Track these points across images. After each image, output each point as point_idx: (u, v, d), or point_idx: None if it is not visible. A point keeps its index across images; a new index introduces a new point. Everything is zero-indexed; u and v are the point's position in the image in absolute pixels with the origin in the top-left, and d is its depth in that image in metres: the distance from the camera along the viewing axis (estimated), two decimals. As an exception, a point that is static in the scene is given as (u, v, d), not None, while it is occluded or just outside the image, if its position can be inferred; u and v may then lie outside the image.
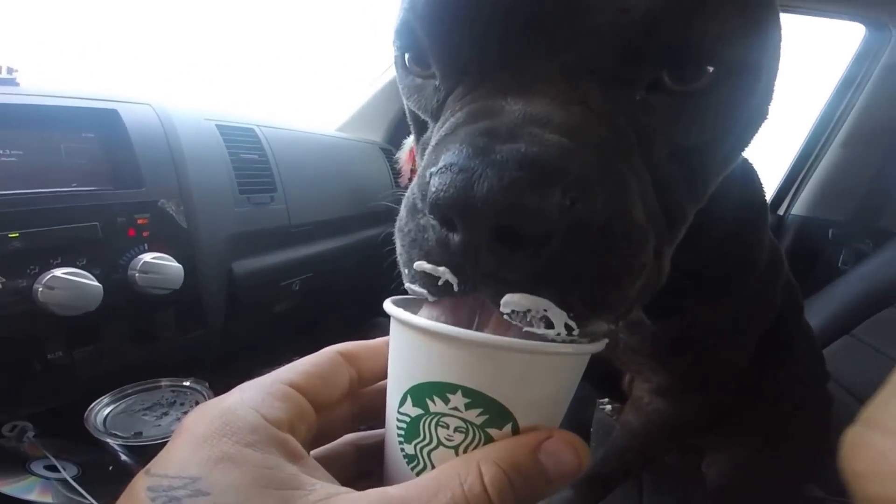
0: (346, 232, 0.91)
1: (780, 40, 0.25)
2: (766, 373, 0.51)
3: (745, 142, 0.26)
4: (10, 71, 0.54)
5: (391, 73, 1.05)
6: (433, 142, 0.21)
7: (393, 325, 0.20)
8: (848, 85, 0.99)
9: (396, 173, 1.02)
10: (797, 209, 1.07)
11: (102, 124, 0.57)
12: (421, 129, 0.27)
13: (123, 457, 0.47)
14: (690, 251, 0.26)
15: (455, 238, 0.18)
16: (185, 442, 0.16)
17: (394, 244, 0.22)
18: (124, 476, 0.51)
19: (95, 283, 0.48)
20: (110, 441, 0.45)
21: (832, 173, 1.02)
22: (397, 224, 0.21)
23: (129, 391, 0.53)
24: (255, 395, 0.18)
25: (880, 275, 0.87)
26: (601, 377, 0.53)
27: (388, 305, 0.20)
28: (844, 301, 0.89)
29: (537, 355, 0.18)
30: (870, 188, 0.99)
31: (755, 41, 0.22)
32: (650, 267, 0.21)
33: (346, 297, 0.98)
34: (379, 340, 0.23)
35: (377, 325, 1.00)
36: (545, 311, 0.18)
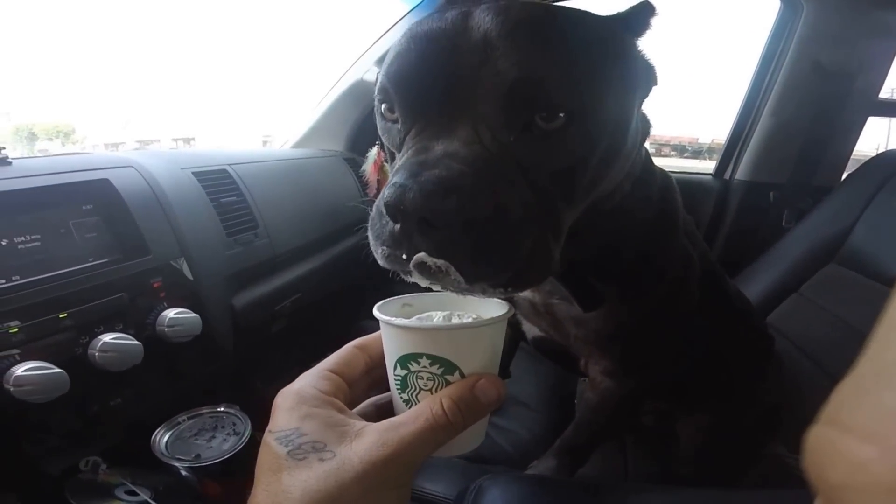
0: (326, 247, 1.08)
1: (632, 84, 0.38)
2: (711, 346, 0.64)
3: (610, 165, 0.38)
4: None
5: (343, 84, 1.20)
6: (396, 165, 0.34)
7: (381, 324, 0.31)
8: (771, 57, 1.16)
9: (364, 184, 1.18)
10: (741, 174, 1.25)
11: (98, 194, 0.68)
12: (392, 157, 0.41)
13: (185, 474, 0.65)
14: (605, 249, 0.44)
15: (397, 229, 0.31)
16: (282, 411, 0.29)
17: (367, 249, 0.36)
18: (190, 492, 0.68)
19: (136, 342, 0.62)
20: (176, 464, 0.63)
21: (767, 140, 1.20)
22: (370, 222, 0.34)
23: (179, 420, 0.69)
24: (311, 379, 0.31)
25: (819, 232, 0.96)
26: (565, 361, 0.68)
27: (377, 312, 0.31)
28: (789, 260, 0.98)
29: (466, 329, 0.30)
30: (802, 151, 1.16)
31: (598, 92, 0.34)
32: (535, 248, 0.33)
33: (333, 305, 1.16)
34: (379, 333, 0.34)
35: (362, 327, 1.17)
36: (448, 269, 0.30)
